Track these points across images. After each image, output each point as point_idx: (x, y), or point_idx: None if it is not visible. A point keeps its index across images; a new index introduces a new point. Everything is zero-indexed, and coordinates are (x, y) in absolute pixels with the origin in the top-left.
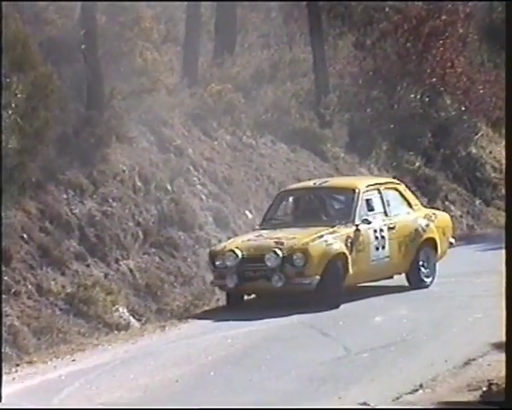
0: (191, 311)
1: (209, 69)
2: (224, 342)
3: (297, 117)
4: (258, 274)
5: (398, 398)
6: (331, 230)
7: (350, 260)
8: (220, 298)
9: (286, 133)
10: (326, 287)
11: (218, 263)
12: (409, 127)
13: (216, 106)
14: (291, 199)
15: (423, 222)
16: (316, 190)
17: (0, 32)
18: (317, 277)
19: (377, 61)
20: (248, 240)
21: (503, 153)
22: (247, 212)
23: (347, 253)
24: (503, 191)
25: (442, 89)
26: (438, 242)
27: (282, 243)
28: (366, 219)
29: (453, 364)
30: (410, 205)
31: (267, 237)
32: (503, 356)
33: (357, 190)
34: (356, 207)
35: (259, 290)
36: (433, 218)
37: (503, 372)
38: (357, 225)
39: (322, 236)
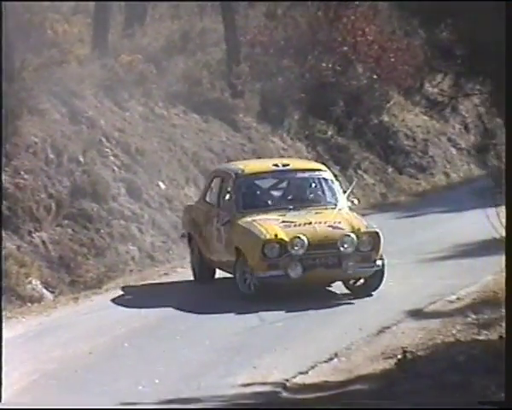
0: (105, 282)
1: (120, 40)
2: (137, 313)
3: (208, 87)
4: (325, 261)
5: (313, 367)
6: (352, 213)
7: None
8: (134, 269)
9: (198, 104)
10: (378, 271)
11: (271, 252)
12: (320, 96)
13: (127, 77)
14: (253, 183)
15: None
16: (282, 173)
17: (0, 32)
18: (380, 261)
19: (288, 30)
20: (287, 226)
21: (415, 121)
22: (159, 183)
23: None
24: (416, 159)
25: (353, 57)
26: None
27: (342, 228)
28: (352, 201)
29: (367, 332)
30: None
31: (306, 222)
32: (415, 324)
33: (329, 173)
34: (339, 189)
35: (326, 279)
36: None
37: (417, 340)
38: (349, 208)
39: (363, 219)
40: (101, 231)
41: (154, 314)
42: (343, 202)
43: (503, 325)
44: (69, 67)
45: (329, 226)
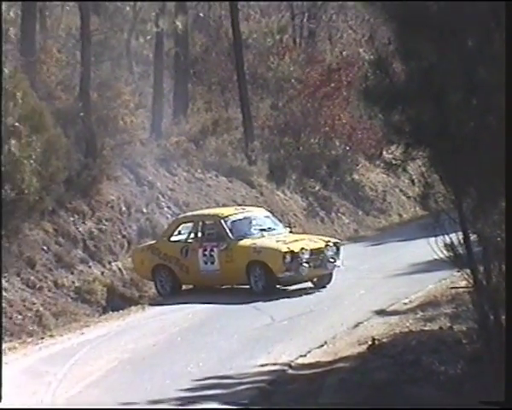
0: (164, 296)
1: (170, 126)
2: (186, 316)
3: (232, 158)
4: (314, 263)
5: (309, 351)
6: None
7: None
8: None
9: (225, 170)
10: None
11: (290, 260)
12: (310, 162)
13: (175, 152)
14: (233, 221)
15: None
16: (247, 213)
17: (0, 32)
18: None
19: (287, 117)
20: (284, 243)
21: (377, 178)
22: None
23: None
24: (378, 204)
25: (333, 135)
26: None
27: (317, 241)
28: (288, 228)
29: (347, 326)
30: None
31: (293, 240)
32: (381, 320)
33: (270, 213)
34: (279, 222)
35: (318, 275)
36: None
37: (382, 331)
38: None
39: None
40: None
41: (198, 317)
42: (284, 229)
43: (442, 319)
44: (135, 146)
45: (310, 241)
